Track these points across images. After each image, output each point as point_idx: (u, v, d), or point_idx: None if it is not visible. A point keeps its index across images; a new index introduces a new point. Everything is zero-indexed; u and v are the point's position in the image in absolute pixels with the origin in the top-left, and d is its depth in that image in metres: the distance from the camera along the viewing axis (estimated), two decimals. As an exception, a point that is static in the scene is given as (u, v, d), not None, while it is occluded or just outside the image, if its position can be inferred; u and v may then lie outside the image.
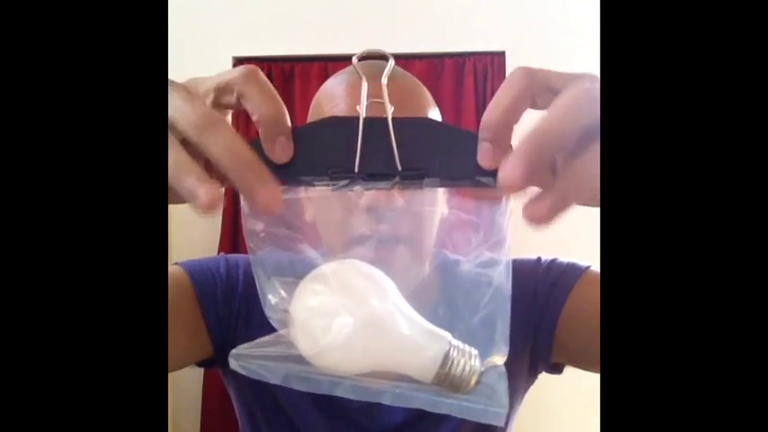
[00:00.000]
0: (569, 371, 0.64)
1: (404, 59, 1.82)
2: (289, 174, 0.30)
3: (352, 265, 0.33)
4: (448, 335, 0.31)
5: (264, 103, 0.28)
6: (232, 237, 2.09)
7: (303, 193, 0.32)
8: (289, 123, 0.29)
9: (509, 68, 2.01)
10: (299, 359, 0.31)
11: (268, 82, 0.29)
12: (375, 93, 0.30)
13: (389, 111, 0.30)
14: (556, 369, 0.64)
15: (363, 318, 0.30)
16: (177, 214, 1.87)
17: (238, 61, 2.01)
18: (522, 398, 0.66)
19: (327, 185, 0.30)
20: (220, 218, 2.09)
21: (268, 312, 0.32)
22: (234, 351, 0.31)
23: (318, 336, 0.30)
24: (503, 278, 0.32)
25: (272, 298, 0.32)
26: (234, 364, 0.31)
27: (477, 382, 0.31)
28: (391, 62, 0.30)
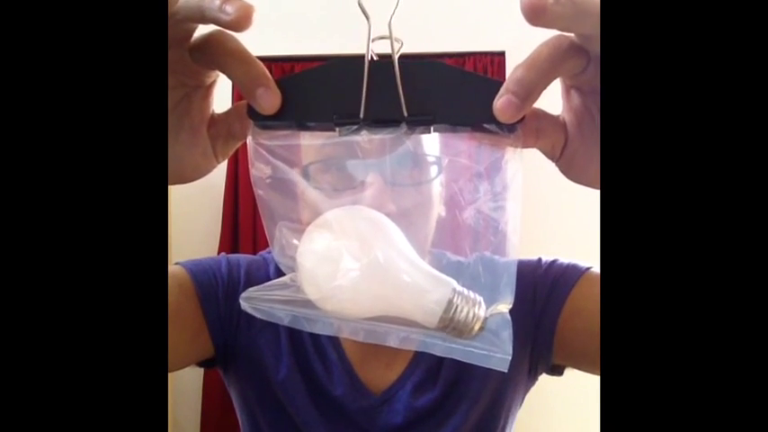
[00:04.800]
0: (569, 371, 0.64)
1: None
2: (293, 119, 0.30)
3: (357, 211, 0.33)
4: (453, 281, 0.31)
5: (233, 66, 0.29)
6: (232, 237, 2.09)
7: (308, 138, 0.32)
8: (264, 74, 0.29)
9: (509, 68, 2.01)
10: (308, 303, 0.31)
11: (229, 40, 0.29)
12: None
13: (396, 54, 0.29)
14: (556, 371, 0.64)
15: (368, 262, 0.30)
16: (177, 214, 1.87)
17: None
18: (523, 400, 0.66)
19: (333, 131, 0.30)
20: (220, 218, 2.09)
21: (277, 257, 0.33)
22: (244, 294, 0.32)
23: (324, 281, 0.30)
24: (510, 226, 0.32)
25: (280, 243, 0.32)
26: (245, 305, 0.32)
27: (481, 329, 0.31)
28: (398, 1, 0.30)
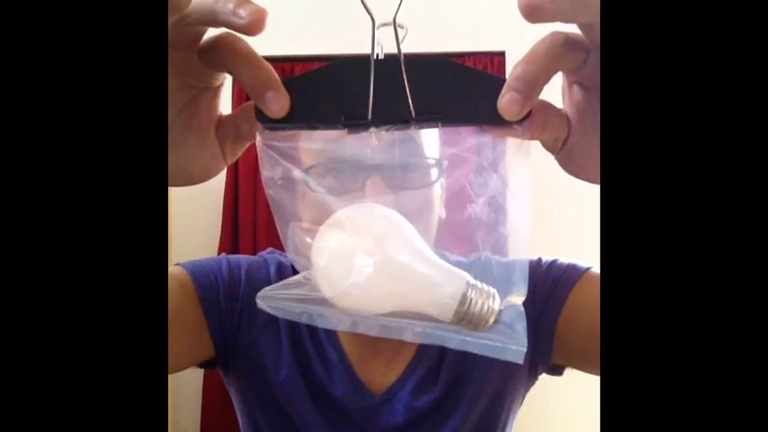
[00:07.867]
0: (569, 371, 0.64)
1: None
2: (301, 121, 0.30)
3: (369, 208, 0.33)
4: (466, 274, 0.32)
5: (242, 68, 0.29)
6: (232, 237, 2.09)
7: (316, 139, 0.32)
8: (273, 78, 0.29)
9: (509, 69, 2.01)
10: (323, 300, 0.31)
11: (238, 43, 0.29)
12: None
13: (401, 51, 0.29)
14: (556, 370, 0.64)
15: (382, 259, 0.30)
16: (177, 214, 1.87)
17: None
18: (523, 399, 0.66)
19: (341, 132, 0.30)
20: (220, 218, 2.09)
21: (291, 256, 0.33)
22: (261, 293, 0.32)
23: (339, 278, 0.30)
24: (520, 218, 0.32)
25: (293, 243, 0.33)
26: (261, 304, 0.32)
27: (496, 321, 0.31)
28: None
